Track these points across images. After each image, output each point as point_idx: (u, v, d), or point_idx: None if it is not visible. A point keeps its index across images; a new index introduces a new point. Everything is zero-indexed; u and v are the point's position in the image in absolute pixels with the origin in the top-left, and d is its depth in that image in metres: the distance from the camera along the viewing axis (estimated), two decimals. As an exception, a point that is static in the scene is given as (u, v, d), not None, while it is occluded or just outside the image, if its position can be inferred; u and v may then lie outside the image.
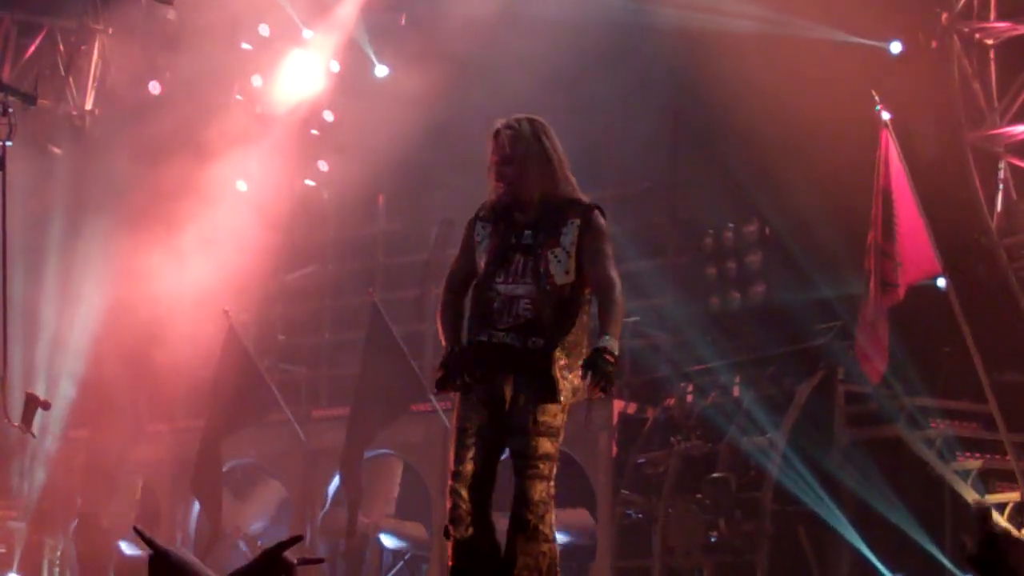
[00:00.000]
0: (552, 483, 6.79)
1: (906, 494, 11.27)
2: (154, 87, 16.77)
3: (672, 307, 13.86)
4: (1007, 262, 12.70)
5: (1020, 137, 12.87)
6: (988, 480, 11.64)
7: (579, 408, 7.01)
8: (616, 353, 6.70)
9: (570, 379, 6.74)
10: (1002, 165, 12.86)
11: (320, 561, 3.42)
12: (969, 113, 12.94)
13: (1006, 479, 11.64)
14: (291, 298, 16.42)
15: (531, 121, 6.94)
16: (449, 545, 6.98)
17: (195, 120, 16.23)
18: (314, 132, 16.97)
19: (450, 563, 7.01)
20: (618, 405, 13.18)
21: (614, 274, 6.81)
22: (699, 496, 12.27)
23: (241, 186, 16.51)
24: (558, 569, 6.82)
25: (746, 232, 13.61)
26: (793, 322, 12.71)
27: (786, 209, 13.37)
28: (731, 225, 13.74)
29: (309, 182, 17.01)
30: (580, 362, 6.70)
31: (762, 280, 13.42)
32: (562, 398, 6.69)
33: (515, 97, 14.79)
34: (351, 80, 16.63)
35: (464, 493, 6.91)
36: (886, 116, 11.04)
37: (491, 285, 6.87)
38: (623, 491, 12.95)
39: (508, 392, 6.80)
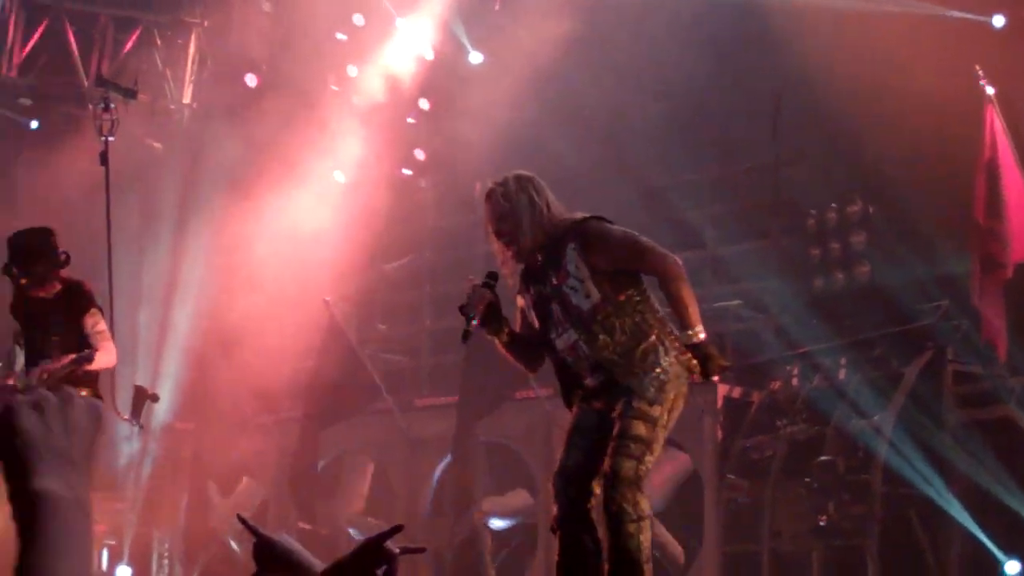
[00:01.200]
0: (643, 465, 6.78)
1: (1019, 475, 11.07)
2: (251, 80, 16.87)
3: (775, 289, 13.71)
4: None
5: None
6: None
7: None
8: (703, 339, 6.76)
9: (653, 379, 6.78)
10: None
11: (422, 551, 3.37)
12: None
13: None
14: (390, 287, 16.45)
15: (517, 177, 7.06)
16: (557, 539, 7.02)
17: (292, 112, 16.30)
18: (410, 121, 16.98)
19: (556, 557, 7.02)
20: (722, 389, 13.05)
21: (654, 261, 6.85)
22: (807, 480, 12.12)
23: (339, 176, 16.56)
24: (647, 546, 6.80)
25: (849, 212, 13.43)
26: (898, 302, 12.52)
27: (889, 188, 13.20)
28: (834, 205, 13.56)
29: (406, 171, 17.03)
30: (653, 357, 6.73)
31: (866, 260, 13.24)
32: (650, 399, 6.74)
33: (611, 81, 14.74)
34: (446, 67, 16.62)
35: (566, 488, 6.96)
36: (990, 91, 10.85)
37: (552, 347, 7.03)
38: (729, 476, 12.82)
39: (605, 401, 6.90)
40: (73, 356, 9.29)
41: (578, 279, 6.86)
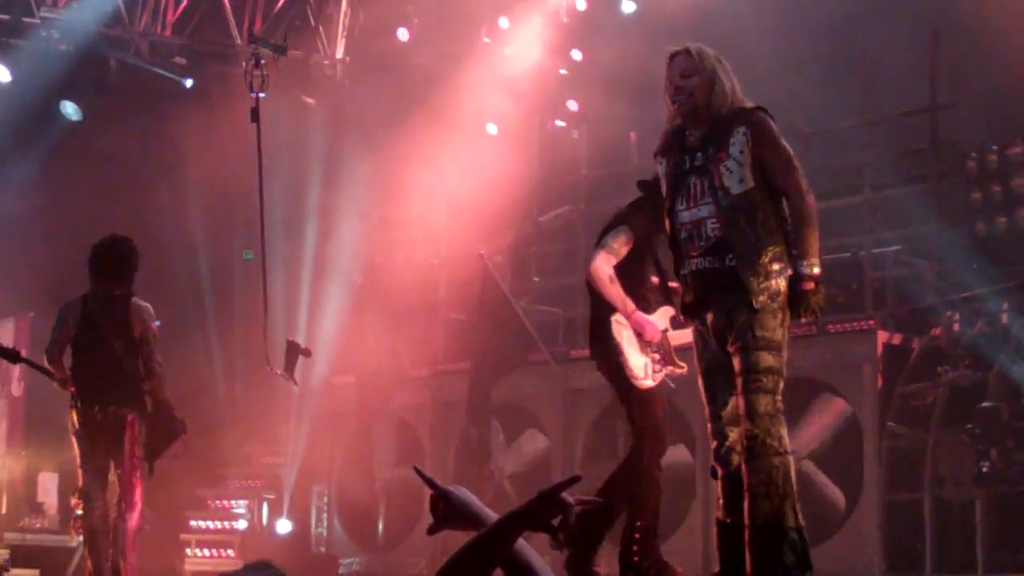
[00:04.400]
0: (778, 397, 6.73)
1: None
2: (403, 34, 16.95)
3: (935, 234, 13.51)
4: None
5: None
6: None
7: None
8: (816, 273, 6.66)
9: (769, 285, 6.71)
10: None
11: (598, 503, 3.40)
12: None
13: None
14: (545, 239, 16.47)
15: (713, 52, 6.99)
16: (717, 484, 6.97)
17: (444, 65, 16.36)
18: (563, 72, 16.96)
19: (719, 500, 6.99)
20: (882, 336, 12.89)
21: (798, 180, 6.77)
22: (969, 426, 11.96)
23: (491, 129, 16.60)
24: (793, 480, 6.73)
25: (1011, 154, 13.19)
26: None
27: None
28: (995, 147, 13.32)
29: (560, 122, 17.03)
30: (777, 266, 6.68)
31: (1029, 203, 13.04)
32: (757, 305, 6.66)
33: (765, 25, 14.59)
34: (598, 17, 16.57)
35: (725, 431, 6.91)
36: None
37: (675, 215, 6.94)
38: (890, 424, 12.69)
39: (721, 314, 6.82)
40: None
41: (738, 162, 6.79)
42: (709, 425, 7.03)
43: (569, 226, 16.32)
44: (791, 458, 6.76)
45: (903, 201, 13.68)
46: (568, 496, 3.21)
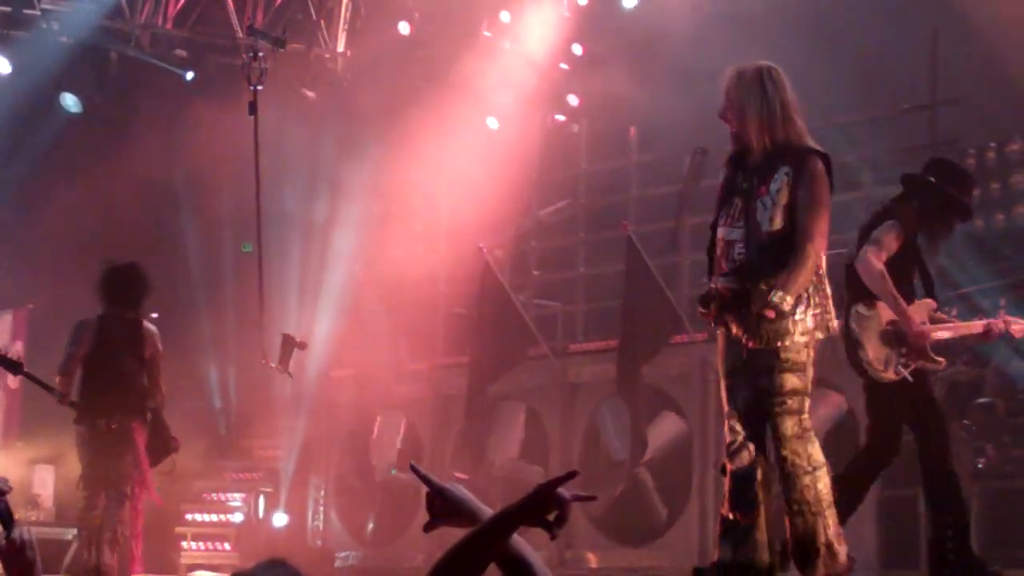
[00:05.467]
0: (804, 415, 6.83)
1: None
2: (404, 27, 16.95)
3: (933, 230, 13.52)
4: None
5: None
6: None
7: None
8: (782, 308, 6.71)
9: (780, 322, 6.79)
10: None
11: (593, 499, 3.42)
12: None
13: None
14: (544, 233, 16.47)
15: (758, 68, 7.01)
16: (726, 480, 7.06)
17: (445, 59, 16.37)
18: (563, 66, 16.96)
19: (727, 495, 7.07)
20: (879, 331, 12.90)
21: (813, 223, 6.81)
22: (965, 422, 11.99)
23: (492, 123, 16.61)
24: (823, 494, 6.83)
25: (1009, 152, 13.22)
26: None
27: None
28: (993, 145, 13.35)
29: (559, 117, 17.03)
30: (800, 305, 6.75)
31: (1026, 200, 13.06)
32: (762, 342, 6.75)
33: (767, 21, 14.59)
34: (599, 12, 16.59)
35: (739, 427, 6.99)
36: None
37: (715, 229, 7.04)
38: (887, 419, 12.70)
39: (745, 327, 6.91)
40: None
41: (774, 201, 6.86)
42: (726, 423, 7.13)
43: (569, 220, 16.32)
44: (822, 472, 6.89)
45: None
46: (564, 491, 3.23)
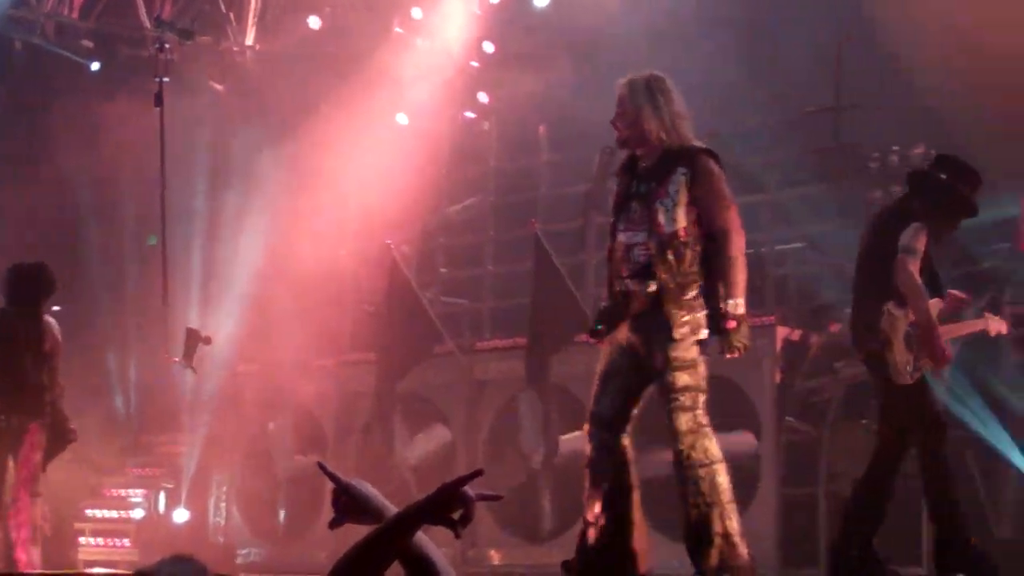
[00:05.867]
0: (699, 411, 6.99)
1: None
2: (314, 21, 16.89)
3: (837, 232, 13.70)
4: None
5: None
6: None
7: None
8: (740, 313, 6.89)
9: (687, 319, 6.95)
10: None
11: (499, 498, 3.46)
12: None
13: None
14: (453, 230, 16.49)
15: (648, 77, 7.28)
16: (586, 478, 7.26)
17: (356, 55, 16.32)
18: (474, 64, 16.97)
19: (585, 494, 7.27)
20: (782, 332, 13.06)
21: (729, 219, 7.00)
22: (864, 422, 12.15)
23: (402, 119, 16.59)
24: (721, 488, 6.97)
25: (912, 155, 13.40)
26: (959, 245, 12.49)
27: (952, 131, 13.15)
28: (896, 148, 13.53)
29: (470, 114, 17.04)
30: (699, 303, 6.91)
31: (928, 204, 13.19)
32: (677, 336, 6.91)
33: (676, 24, 14.69)
34: (511, 10, 16.62)
35: (599, 432, 7.19)
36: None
37: (615, 234, 7.24)
38: (788, 418, 12.86)
39: (638, 335, 7.08)
40: None
41: (673, 201, 7.06)
42: (586, 425, 7.31)
43: (478, 218, 16.36)
44: (719, 467, 7.02)
45: (806, 200, 13.86)
46: (470, 490, 3.26)
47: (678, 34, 14.43)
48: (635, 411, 7.35)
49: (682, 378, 7.10)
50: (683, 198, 7.12)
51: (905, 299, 8.26)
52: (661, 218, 7.15)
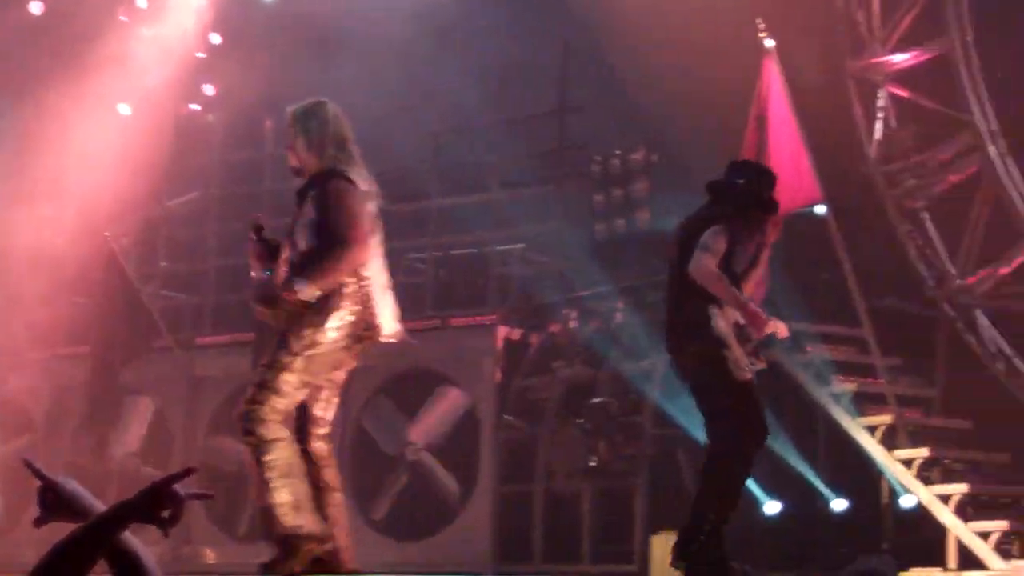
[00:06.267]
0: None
1: (783, 418, 11.40)
2: (36, 7, 16.47)
3: (558, 234, 13.94)
4: (884, 189, 13.00)
5: (900, 66, 13.14)
6: (860, 403, 11.89)
7: None
8: (296, 295, 7.42)
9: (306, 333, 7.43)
10: (882, 94, 13.15)
11: (210, 496, 3.45)
12: (852, 43, 13.20)
13: (877, 402, 11.92)
14: (175, 224, 16.28)
15: (308, 106, 7.67)
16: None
17: (78, 42, 15.96)
18: (200, 55, 16.76)
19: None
20: (502, 331, 13.25)
21: (338, 228, 7.53)
22: (580, 421, 12.39)
23: (124, 109, 16.28)
24: (269, 461, 7.38)
25: (632, 160, 13.69)
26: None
27: (671, 137, 13.48)
28: (618, 152, 13.81)
29: (194, 106, 16.83)
30: (317, 317, 7.45)
31: (646, 207, 13.53)
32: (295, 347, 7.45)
33: (400, 24, 14.76)
34: (239, 2, 16.46)
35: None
36: (769, 44, 11.11)
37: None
38: (506, 416, 13.04)
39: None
40: None
41: (306, 224, 7.48)
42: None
43: (200, 211, 16.18)
44: (269, 443, 7.48)
45: (529, 201, 14.05)
46: (180, 489, 3.24)
47: (401, 34, 14.51)
48: (314, 413, 7.65)
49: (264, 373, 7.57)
50: (313, 220, 7.55)
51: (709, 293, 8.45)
52: (298, 237, 7.58)
